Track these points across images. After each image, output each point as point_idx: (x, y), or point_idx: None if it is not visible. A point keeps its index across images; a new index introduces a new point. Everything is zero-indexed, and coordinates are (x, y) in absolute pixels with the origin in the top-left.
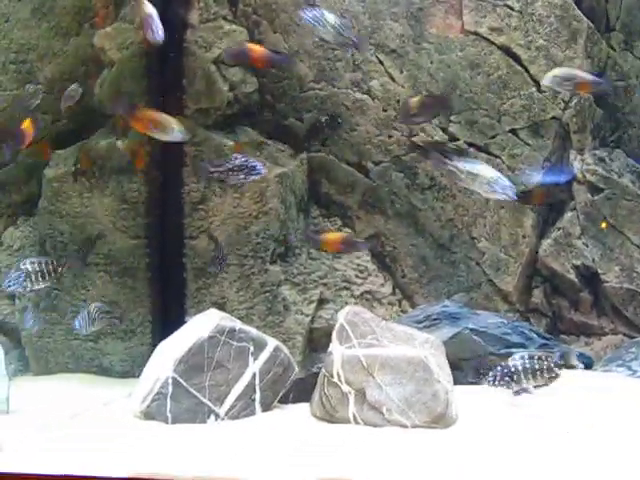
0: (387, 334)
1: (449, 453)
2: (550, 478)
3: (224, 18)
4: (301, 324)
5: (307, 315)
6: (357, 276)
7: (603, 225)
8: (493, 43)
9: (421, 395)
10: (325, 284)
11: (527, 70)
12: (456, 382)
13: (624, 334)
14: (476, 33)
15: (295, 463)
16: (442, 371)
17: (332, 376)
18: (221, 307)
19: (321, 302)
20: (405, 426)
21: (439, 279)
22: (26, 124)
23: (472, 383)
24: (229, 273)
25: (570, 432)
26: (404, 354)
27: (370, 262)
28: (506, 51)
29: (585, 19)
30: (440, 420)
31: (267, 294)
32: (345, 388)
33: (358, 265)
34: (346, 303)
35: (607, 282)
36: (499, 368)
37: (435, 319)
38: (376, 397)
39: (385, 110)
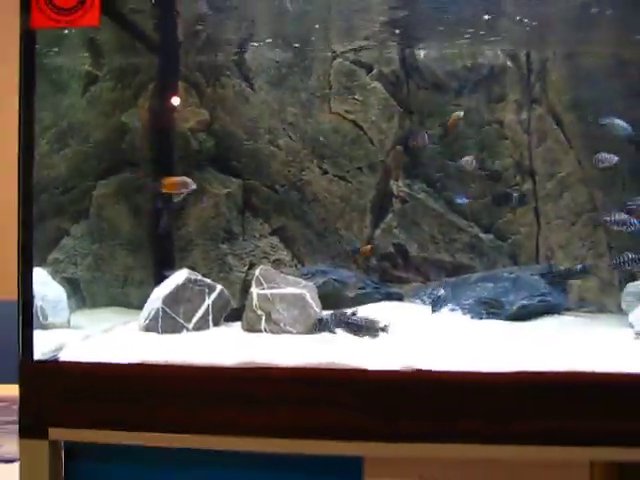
0: (284, 281)
1: (315, 344)
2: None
3: (195, 105)
4: (239, 278)
5: (242, 272)
6: (271, 251)
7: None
8: (346, 118)
9: (302, 315)
10: (253, 255)
11: (366, 134)
12: (325, 308)
13: (421, 281)
14: (337, 113)
15: (233, 349)
16: (314, 302)
17: (252, 306)
18: (194, 268)
19: (251, 266)
20: (293, 333)
21: (319, 252)
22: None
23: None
24: (198, 250)
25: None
26: (293, 292)
27: (279, 242)
28: (354, 123)
29: (397, 106)
30: (311, 330)
31: (219, 261)
32: (259, 312)
33: (272, 245)
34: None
35: (411, 253)
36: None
37: (314, 273)
38: (277, 317)
39: (287, 157)
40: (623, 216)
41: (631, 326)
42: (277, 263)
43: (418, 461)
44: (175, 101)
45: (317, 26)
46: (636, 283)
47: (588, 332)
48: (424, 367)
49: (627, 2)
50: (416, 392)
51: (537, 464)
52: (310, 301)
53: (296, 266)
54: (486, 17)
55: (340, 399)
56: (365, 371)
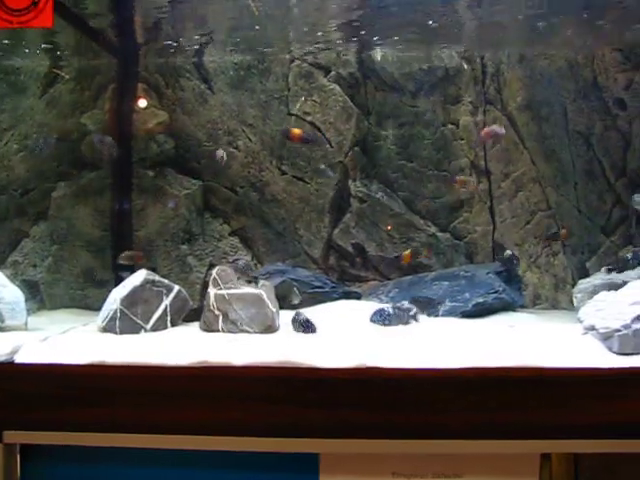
0: (241, 281)
1: (272, 343)
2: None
3: (154, 106)
4: (199, 278)
5: (202, 273)
6: (231, 251)
7: (389, 227)
8: (305, 120)
9: (259, 315)
10: (213, 255)
11: (325, 136)
12: (282, 308)
13: (379, 280)
14: (296, 115)
15: (189, 349)
16: (271, 302)
17: (209, 306)
18: (154, 270)
19: (211, 266)
20: (250, 332)
21: (277, 252)
22: None
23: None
24: (159, 250)
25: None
26: (250, 292)
27: (239, 243)
28: (313, 124)
29: (355, 107)
30: (269, 329)
31: (179, 261)
32: (217, 312)
33: (232, 245)
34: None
35: (370, 252)
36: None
37: (272, 273)
38: (234, 317)
39: (246, 158)
40: None
41: (580, 321)
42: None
43: (390, 457)
44: (134, 103)
45: (276, 29)
46: (586, 280)
47: (539, 328)
48: (375, 365)
49: (580, 7)
50: (367, 389)
51: (490, 456)
52: (267, 301)
53: (256, 266)
54: (442, 21)
55: (294, 397)
56: (318, 369)
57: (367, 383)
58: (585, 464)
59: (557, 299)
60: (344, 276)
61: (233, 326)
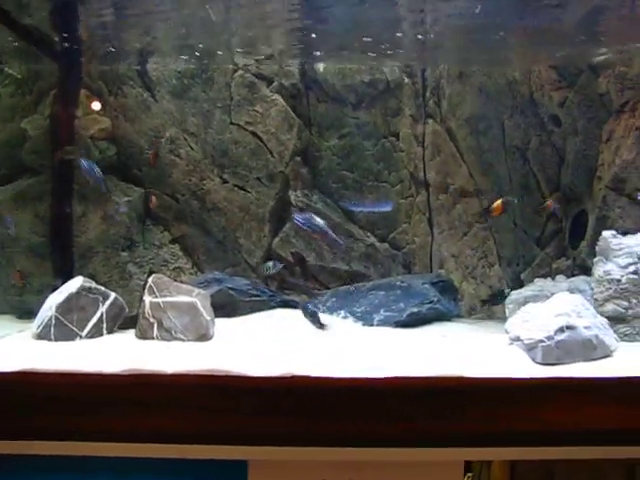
0: (176, 290)
1: (206, 351)
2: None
3: (96, 113)
4: (138, 286)
5: (142, 280)
6: (172, 259)
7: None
8: (247, 130)
9: (193, 323)
10: (153, 263)
11: (266, 145)
12: (219, 316)
13: (317, 289)
14: (238, 124)
15: (121, 357)
16: (205, 310)
17: (144, 314)
18: (93, 277)
19: (150, 273)
20: (184, 340)
21: (218, 261)
22: None
23: (225, 316)
24: (99, 257)
25: None
26: (184, 300)
27: (179, 251)
28: (254, 134)
29: (297, 118)
30: (203, 337)
31: (119, 269)
32: (151, 320)
33: (172, 253)
34: (165, 274)
35: (309, 261)
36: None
37: (209, 281)
38: (168, 324)
39: (187, 166)
40: None
41: (506, 332)
42: (177, 271)
43: (320, 464)
44: (76, 108)
45: (219, 39)
46: (518, 291)
47: (469, 338)
48: (301, 373)
49: (518, 25)
50: (295, 397)
51: (416, 463)
52: (201, 309)
53: (196, 274)
54: (384, 35)
55: (224, 404)
56: (247, 377)
57: (294, 391)
58: (522, 469)
59: (492, 310)
60: (284, 285)
61: (167, 334)
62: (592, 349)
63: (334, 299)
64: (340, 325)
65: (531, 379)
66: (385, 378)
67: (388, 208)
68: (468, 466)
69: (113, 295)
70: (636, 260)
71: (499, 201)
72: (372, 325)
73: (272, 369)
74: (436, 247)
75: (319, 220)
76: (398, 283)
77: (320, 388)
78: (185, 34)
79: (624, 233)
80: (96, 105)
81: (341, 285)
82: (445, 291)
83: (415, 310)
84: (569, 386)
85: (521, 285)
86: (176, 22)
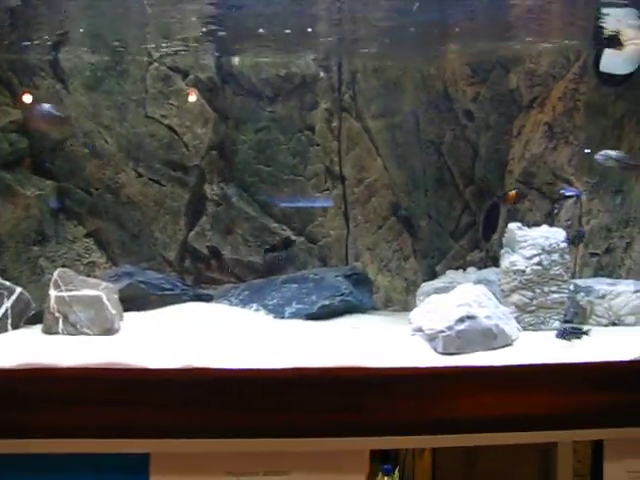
0: (83, 284)
1: (110, 345)
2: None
3: (6, 104)
4: (49, 280)
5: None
6: (86, 253)
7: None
8: (162, 123)
9: (98, 317)
10: (66, 257)
11: (182, 139)
12: (129, 310)
13: (233, 282)
14: (153, 117)
15: (21, 352)
16: (111, 303)
17: (50, 308)
18: (3, 272)
19: (63, 267)
20: (89, 334)
21: (133, 255)
22: None
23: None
24: (9, 252)
25: None
26: (90, 294)
27: (94, 245)
28: (170, 128)
29: (212, 111)
30: (108, 331)
31: (30, 264)
32: (57, 315)
33: (87, 247)
34: (78, 269)
35: (224, 254)
36: None
37: (120, 275)
38: (74, 319)
39: (100, 160)
40: None
41: (410, 323)
42: (91, 265)
43: (223, 456)
44: None
45: (134, 31)
46: (429, 283)
47: (379, 329)
48: (202, 365)
49: (433, 22)
50: (196, 389)
51: (319, 453)
52: (106, 303)
53: (111, 268)
54: (301, 29)
55: (124, 398)
56: (148, 370)
57: (195, 383)
58: (443, 457)
59: (408, 302)
60: (200, 278)
61: (73, 328)
62: (492, 338)
63: (247, 292)
64: (250, 318)
65: (433, 368)
66: (284, 369)
67: (305, 202)
68: (396, 460)
69: (19, 290)
70: (540, 251)
71: (513, 191)
72: (283, 318)
73: (172, 362)
74: (352, 240)
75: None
76: (311, 276)
77: (220, 380)
78: (99, 25)
79: (535, 225)
80: (6, 96)
81: (256, 278)
82: (359, 283)
83: (327, 303)
84: (465, 375)
85: (435, 277)
86: (90, 12)
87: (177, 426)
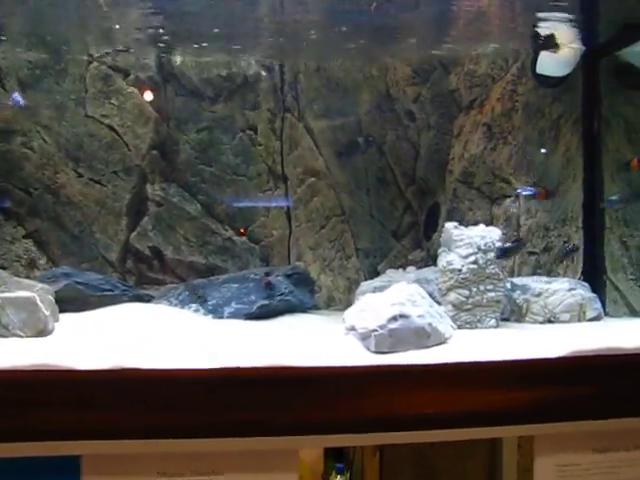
0: (16, 285)
1: (41, 347)
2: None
3: None
4: None
5: None
6: (25, 254)
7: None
8: (103, 123)
9: (31, 319)
10: (5, 258)
11: (122, 139)
12: (67, 311)
13: (175, 282)
14: (93, 117)
15: None
16: (45, 305)
17: None
18: None
19: (2, 269)
20: (22, 336)
21: (73, 255)
22: None
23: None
24: None
25: None
26: (22, 295)
27: (33, 246)
28: (110, 128)
29: (153, 111)
30: (41, 332)
31: None
32: None
33: (26, 248)
34: (17, 269)
35: (167, 255)
36: None
37: (57, 276)
38: (6, 320)
39: (40, 159)
40: None
41: (344, 322)
42: (31, 267)
43: (155, 457)
44: None
45: (73, 29)
46: (368, 282)
47: (315, 329)
48: (131, 365)
49: (375, 23)
50: (126, 390)
51: (249, 453)
52: (40, 304)
53: (51, 269)
54: (243, 29)
55: (52, 399)
56: (75, 371)
57: (125, 384)
58: (391, 456)
59: (350, 301)
60: (142, 279)
61: (5, 330)
62: (425, 337)
63: (187, 292)
64: (188, 318)
65: (364, 367)
66: (212, 369)
67: (247, 202)
68: (349, 463)
69: None
70: (476, 250)
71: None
72: (222, 318)
73: (102, 362)
74: (294, 240)
75: None
76: (252, 276)
77: (151, 380)
78: (37, 22)
79: (475, 224)
80: None
81: (198, 278)
82: (300, 283)
83: (266, 302)
84: (397, 373)
85: (377, 276)
86: (26, 9)
87: (107, 427)
